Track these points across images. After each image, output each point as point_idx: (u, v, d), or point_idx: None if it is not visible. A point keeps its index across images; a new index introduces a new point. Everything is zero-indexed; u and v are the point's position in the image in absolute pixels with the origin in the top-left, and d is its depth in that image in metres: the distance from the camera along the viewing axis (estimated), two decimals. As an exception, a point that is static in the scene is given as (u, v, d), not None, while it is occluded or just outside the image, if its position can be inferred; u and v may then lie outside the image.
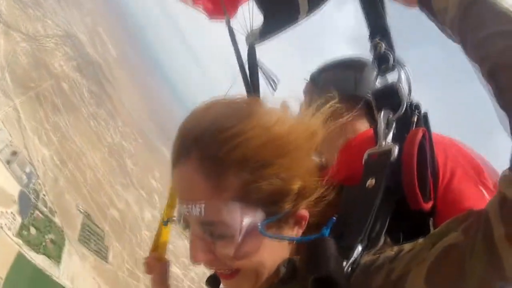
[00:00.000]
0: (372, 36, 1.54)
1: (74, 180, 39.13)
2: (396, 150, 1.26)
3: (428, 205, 1.27)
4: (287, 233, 1.14)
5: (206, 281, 1.51)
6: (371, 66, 1.75)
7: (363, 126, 1.85)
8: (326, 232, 1.07)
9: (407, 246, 1.00)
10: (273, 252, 1.12)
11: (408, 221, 1.26)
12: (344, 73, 1.94)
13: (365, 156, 1.33)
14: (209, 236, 1.05)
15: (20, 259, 27.27)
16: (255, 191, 1.03)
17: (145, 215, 49.14)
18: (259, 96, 2.13)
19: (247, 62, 2.26)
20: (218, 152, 1.01)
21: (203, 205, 1.00)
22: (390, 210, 1.20)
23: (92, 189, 41.42)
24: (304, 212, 1.15)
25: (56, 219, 33.42)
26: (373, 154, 1.32)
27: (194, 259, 1.06)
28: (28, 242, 28.74)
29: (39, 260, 29.47)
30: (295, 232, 1.16)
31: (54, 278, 29.48)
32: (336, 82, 1.87)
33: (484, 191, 1.37)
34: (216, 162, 1.01)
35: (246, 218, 1.02)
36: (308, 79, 2.04)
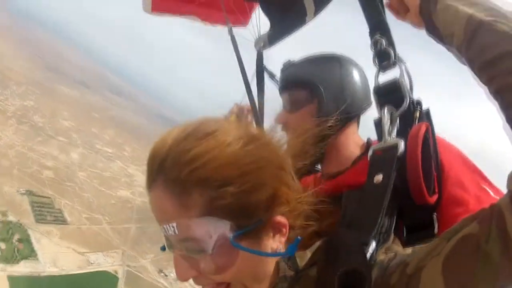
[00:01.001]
0: (372, 32, 1.51)
1: (1, 168, 37.97)
2: (402, 145, 1.28)
3: (433, 199, 1.30)
4: (267, 242, 1.08)
5: None
6: (349, 61, 1.86)
7: (353, 131, 1.85)
8: (293, 250, 1.06)
9: (422, 245, 1.00)
10: (257, 262, 1.09)
11: (412, 216, 1.31)
12: (327, 66, 1.87)
13: (370, 152, 1.35)
14: (188, 253, 1.05)
15: (13, 281, 30.00)
16: (221, 207, 1.00)
17: (73, 157, 49.55)
18: (262, 103, 2.20)
19: (255, 69, 2.26)
20: (180, 174, 1.00)
21: (174, 224, 1.01)
22: (396, 206, 1.23)
23: (20, 165, 40.54)
24: (280, 218, 1.08)
25: (11, 217, 34.46)
26: (379, 150, 1.34)
27: (180, 277, 1.08)
28: (5, 260, 30.76)
29: (23, 267, 32.58)
30: (277, 240, 1.10)
31: (42, 274, 33.13)
32: (319, 74, 1.83)
33: (487, 188, 1.40)
34: (179, 183, 1.00)
35: (216, 232, 1.00)
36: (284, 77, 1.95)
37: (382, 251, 1.08)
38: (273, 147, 1.15)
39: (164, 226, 1.05)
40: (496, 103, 0.99)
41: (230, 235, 1.02)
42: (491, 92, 1.01)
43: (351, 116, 1.78)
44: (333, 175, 1.71)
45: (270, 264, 1.14)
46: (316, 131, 1.46)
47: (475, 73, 1.07)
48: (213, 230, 1.01)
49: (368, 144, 1.77)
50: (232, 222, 1.02)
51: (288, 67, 1.94)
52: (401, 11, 1.39)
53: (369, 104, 1.79)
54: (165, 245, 1.13)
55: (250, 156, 1.06)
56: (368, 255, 1.04)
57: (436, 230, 1.30)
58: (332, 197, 1.22)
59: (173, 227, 1.02)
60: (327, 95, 1.78)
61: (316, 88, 1.79)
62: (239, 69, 2.29)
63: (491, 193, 1.36)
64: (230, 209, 1.02)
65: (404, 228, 1.31)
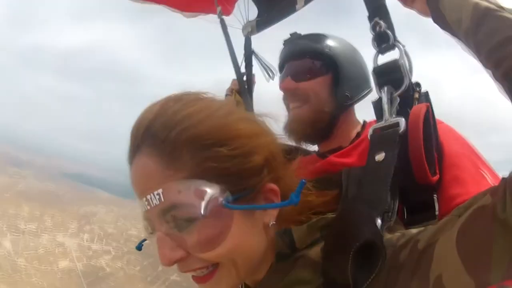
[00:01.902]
0: (371, 16, 1.53)
1: None
2: (403, 123, 1.27)
3: (434, 179, 1.30)
4: (259, 213, 1.02)
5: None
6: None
7: (353, 112, 1.87)
8: (296, 197, 0.96)
9: (430, 224, 0.95)
10: (249, 237, 1.00)
11: (413, 197, 1.30)
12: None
13: (370, 131, 1.34)
14: (174, 227, 0.93)
15: None
16: (213, 170, 0.93)
17: (7, 246, 44.43)
18: (252, 87, 2.22)
19: (243, 53, 2.26)
20: (169, 134, 0.93)
21: (161, 191, 0.91)
22: (397, 186, 1.18)
23: None
24: (272, 186, 1.02)
25: None
26: (379, 128, 1.34)
27: (164, 260, 0.94)
28: None
29: None
30: (269, 213, 1.02)
31: None
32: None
33: (485, 172, 1.40)
34: (168, 144, 0.93)
35: (208, 195, 0.91)
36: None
37: (386, 230, 1.04)
38: (265, 120, 1.13)
39: (148, 197, 0.94)
40: (503, 85, 1.00)
41: (222, 199, 0.93)
42: (498, 75, 1.01)
43: (358, 97, 1.82)
44: (329, 151, 1.73)
45: (264, 238, 1.05)
46: (328, 108, 1.63)
47: (481, 58, 1.08)
48: (205, 193, 0.93)
49: (364, 125, 1.82)
50: (224, 187, 0.94)
51: (299, 38, 1.93)
52: (408, 0, 1.43)
53: (370, 89, 1.82)
54: (146, 229, 1.03)
55: (244, 121, 1.04)
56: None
57: (437, 212, 1.30)
58: (328, 176, 1.27)
59: (158, 194, 0.92)
60: (343, 70, 1.80)
61: (334, 61, 1.80)
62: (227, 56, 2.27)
63: (489, 179, 1.37)
64: (222, 173, 0.95)
65: (405, 210, 1.31)
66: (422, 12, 1.38)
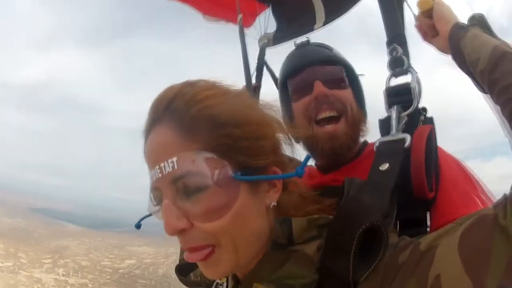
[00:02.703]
0: (390, 42, 1.65)
1: None
2: (409, 139, 1.33)
3: (430, 195, 1.34)
4: (263, 195, 1.06)
5: (176, 269, 1.71)
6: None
7: None
8: (301, 169, 1.01)
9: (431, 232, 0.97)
10: (250, 216, 1.03)
11: (406, 212, 1.31)
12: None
13: (377, 143, 1.40)
14: (182, 196, 0.98)
15: None
16: (226, 146, 0.99)
17: None
18: (258, 97, 1.89)
19: (256, 63, 2.23)
20: (190, 110, 1.00)
21: (175, 159, 0.96)
22: (396, 197, 1.23)
23: None
24: (276, 169, 1.08)
25: None
26: (386, 142, 1.40)
27: (169, 228, 0.97)
28: None
29: None
30: (271, 196, 1.08)
31: None
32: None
33: (476, 199, 1.40)
34: (187, 119, 1.00)
35: (219, 167, 0.97)
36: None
37: None
38: (276, 115, 1.16)
39: (161, 165, 0.98)
40: (509, 124, 1.04)
41: (231, 172, 0.98)
42: (506, 115, 1.06)
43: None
44: (330, 166, 1.68)
45: (265, 221, 1.07)
46: (361, 125, 1.66)
47: (493, 95, 1.13)
48: (216, 164, 0.97)
49: (365, 143, 1.78)
50: (234, 162, 1.00)
51: (318, 45, 1.85)
52: (430, 35, 1.49)
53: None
54: (152, 200, 1.07)
55: (256, 110, 1.10)
56: None
57: (428, 229, 1.32)
58: (331, 188, 1.22)
59: (172, 162, 0.96)
60: (359, 86, 1.79)
61: (354, 77, 1.77)
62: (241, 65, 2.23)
63: (479, 204, 1.37)
64: (234, 150, 1.00)
65: (398, 224, 1.31)
66: (441, 49, 1.45)
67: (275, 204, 1.09)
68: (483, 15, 1.34)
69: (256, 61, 2.28)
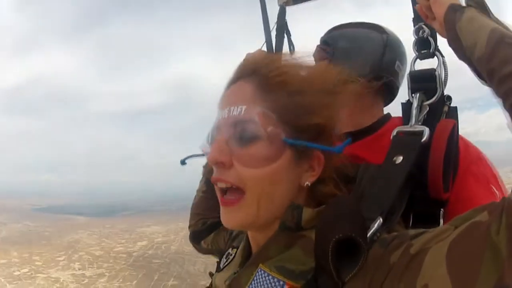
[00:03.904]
0: (416, 20, 1.54)
1: None
2: (427, 134, 1.29)
3: (446, 195, 1.32)
4: (301, 171, 1.16)
5: (189, 237, 1.92)
6: (393, 34, 1.79)
7: (379, 109, 1.83)
8: (341, 148, 1.11)
9: (428, 230, 0.98)
10: (282, 181, 1.12)
11: (419, 207, 1.31)
12: (370, 33, 1.79)
13: (394, 132, 1.37)
14: (236, 139, 1.10)
15: None
16: (289, 113, 1.10)
17: None
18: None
19: (275, 23, 2.22)
20: (269, 74, 1.13)
21: (245, 107, 1.09)
22: (408, 192, 1.23)
23: None
24: (320, 154, 1.16)
25: None
26: (403, 132, 1.37)
27: (212, 157, 1.09)
28: None
29: None
30: (309, 176, 1.16)
31: None
32: (360, 41, 1.76)
33: (495, 191, 1.43)
34: (266, 81, 1.13)
35: (276, 126, 1.09)
36: (321, 43, 1.85)
37: (385, 231, 1.07)
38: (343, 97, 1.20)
39: (231, 108, 1.11)
40: (511, 115, 1.00)
41: (283, 135, 1.08)
42: (506, 106, 1.01)
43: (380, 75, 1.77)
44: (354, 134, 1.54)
45: (293, 194, 1.15)
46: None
47: (493, 85, 1.07)
48: (273, 124, 1.09)
49: (388, 117, 1.79)
50: (289, 129, 1.10)
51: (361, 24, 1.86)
52: (429, 17, 1.41)
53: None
54: (208, 139, 1.19)
55: (323, 86, 1.16)
56: (372, 230, 1.02)
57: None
58: (346, 171, 1.25)
59: (241, 108, 1.10)
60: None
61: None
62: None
63: (498, 197, 1.37)
64: (293, 118, 1.11)
65: (411, 219, 1.30)
66: (440, 32, 1.38)
67: (309, 184, 1.16)
68: None
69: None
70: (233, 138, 1.12)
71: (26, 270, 16.47)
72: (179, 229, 22.17)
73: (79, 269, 16.85)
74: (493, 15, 1.21)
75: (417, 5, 1.46)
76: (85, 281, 15.05)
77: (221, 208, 1.16)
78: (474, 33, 1.16)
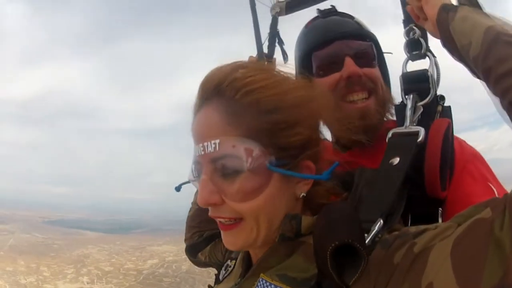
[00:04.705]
0: (407, 21, 1.49)
1: None
2: (423, 134, 1.27)
3: (443, 194, 1.30)
4: (293, 185, 1.10)
5: (185, 250, 1.81)
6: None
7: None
8: (327, 174, 1.08)
9: (430, 226, 0.95)
10: (278, 202, 1.08)
11: (418, 207, 1.28)
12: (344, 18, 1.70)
13: (389, 134, 1.33)
14: (219, 175, 1.04)
15: None
16: (266, 134, 1.03)
17: None
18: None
19: (268, 33, 2.14)
20: (236, 95, 1.04)
21: (217, 141, 1.02)
22: (406, 192, 1.20)
23: None
24: (309, 163, 1.10)
25: None
26: (398, 133, 1.34)
27: (202, 200, 1.05)
28: None
29: None
30: (301, 187, 1.11)
31: None
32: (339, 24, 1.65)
33: (493, 188, 1.38)
34: (233, 103, 1.04)
35: (256, 154, 1.02)
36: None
37: (386, 231, 1.04)
38: (322, 102, 1.17)
39: (204, 144, 1.05)
40: (509, 114, 0.99)
41: (267, 161, 1.03)
42: (504, 104, 1.00)
43: None
44: (354, 143, 1.53)
45: (289, 208, 1.12)
46: (389, 104, 1.55)
47: (489, 84, 1.07)
48: (254, 152, 1.03)
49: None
50: (271, 151, 1.05)
51: (344, 16, 1.74)
52: (421, 18, 1.40)
53: None
54: (193, 172, 1.15)
55: (299, 89, 1.12)
56: (374, 232, 1.02)
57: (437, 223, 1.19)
58: (342, 175, 1.23)
59: (214, 143, 1.03)
60: (385, 66, 1.70)
61: (381, 53, 1.68)
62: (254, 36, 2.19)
63: (496, 194, 1.36)
64: (272, 138, 1.05)
65: (409, 218, 1.30)
66: (432, 34, 1.37)
67: (304, 195, 1.12)
68: None
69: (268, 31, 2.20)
70: (216, 175, 1.06)
71: (33, 279, 16.28)
72: (191, 249, 21.72)
73: (87, 283, 16.60)
74: (485, 11, 1.21)
75: (407, 6, 1.45)
76: (93, 295, 14.65)
77: (222, 232, 1.13)
78: (468, 33, 1.15)
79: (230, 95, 1.06)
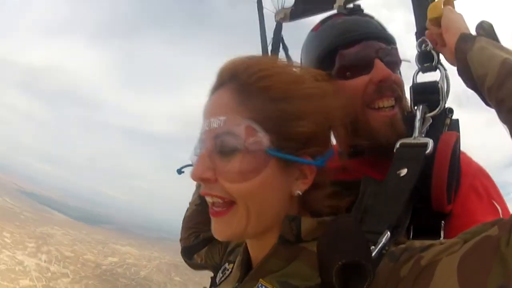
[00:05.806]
0: (420, 33, 1.50)
1: None
2: (431, 145, 1.26)
3: (448, 207, 1.29)
4: (291, 180, 1.10)
5: (181, 252, 1.81)
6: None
7: None
8: (323, 161, 1.10)
9: (435, 242, 0.97)
10: (271, 192, 1.07)
11: (421, 219, 1.27)
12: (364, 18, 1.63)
13: (397, 145, 1.32)
14: (218, 151, 1.06)
15: None
16: (273, 121, 1.05)
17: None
18: None
19: (272, 38, 2.20)
20: (249, 79, 1.08)
21: (224, 118, 1.04)
22: (412, 203, 1.21)
23: None
24: (309, 159, 1.10)
25: None
26: (407, 144, 1.32)
27: (195, 173, 1.06)
28: None
29: None
30: (299, 184, 1.10)
31: None
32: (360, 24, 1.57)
33: (497, 205, 1.37)
34: (246, 86, 1.07)
35: (258, 137, 1.03)
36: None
37: (393, 244, 1.04)
38: (334, 98, 1.17)
39: (211, 119, 1.07)
40: None
41: (266, 145, 1.03)
42: None
43: None
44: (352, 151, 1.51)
45: (284, 204, 1.11)
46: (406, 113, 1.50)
47: (502, 114, 1.08)
48: (255, 134, 1.03)
49: None
50: (276, 139, 1.05)
51: (369, 16, 1.65)
52: (439, 44, 1.41)
53: None
54: (195, 150, 1.15)
55: (314, 88, 1.13)
56: (381, 245, 1.00)
57: (442, 239, 1.22)
58: (347, 180, 1.22)
59: (220, 120, 1.05)
60: (400, 75, 1.63)
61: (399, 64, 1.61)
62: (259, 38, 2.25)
63: (500, 212, 1.37)
64: (277, 126, 1.06)
65: (412, 230, 1.29)
66: (449, 61, 1.38)
67: (300, 193, 1.11)
68: (491, 23, 1.27)
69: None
70: (214, 152, 1.08)
71: (-6, 241, 16.03)
72: (153, 257, 21.72)
73: (45, 261, 16.38)
74: (501, 44, 1.22)
75: (427, 31, 1.45)
76: (48, 275, 14.55)
77: (212, 219, 1.13)
78: (485, 64, 1.16)
79: (244, 79, 1.10)
